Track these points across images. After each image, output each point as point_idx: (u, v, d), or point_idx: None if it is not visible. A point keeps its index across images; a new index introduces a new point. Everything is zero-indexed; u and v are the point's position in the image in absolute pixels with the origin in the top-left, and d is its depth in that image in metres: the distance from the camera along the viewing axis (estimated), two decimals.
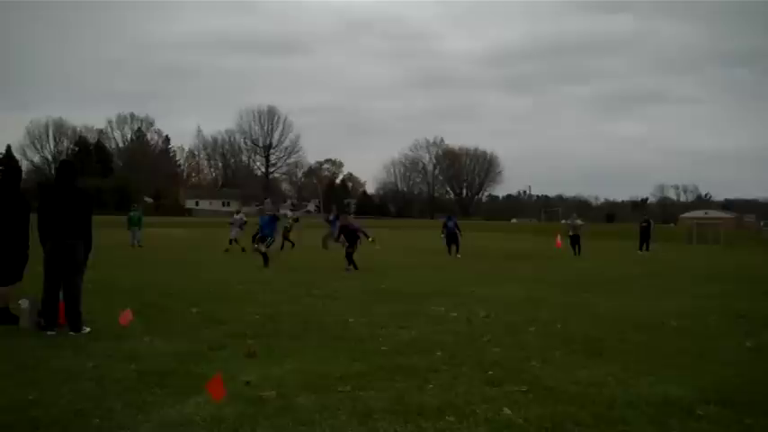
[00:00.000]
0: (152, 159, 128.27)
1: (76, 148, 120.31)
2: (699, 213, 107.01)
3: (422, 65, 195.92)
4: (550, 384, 5.82)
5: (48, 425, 4.54)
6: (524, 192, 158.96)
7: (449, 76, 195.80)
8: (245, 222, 26.67)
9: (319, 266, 18.57)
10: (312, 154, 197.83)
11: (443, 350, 7.19)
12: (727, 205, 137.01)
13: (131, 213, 28.43)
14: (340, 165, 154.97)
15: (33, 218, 8.17)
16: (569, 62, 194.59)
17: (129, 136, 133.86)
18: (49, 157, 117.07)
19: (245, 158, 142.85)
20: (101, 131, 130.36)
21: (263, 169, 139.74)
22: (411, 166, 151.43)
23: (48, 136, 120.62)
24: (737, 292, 14.35)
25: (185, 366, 6.22)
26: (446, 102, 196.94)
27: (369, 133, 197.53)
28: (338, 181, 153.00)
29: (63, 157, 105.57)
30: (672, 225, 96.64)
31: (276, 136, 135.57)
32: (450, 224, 25.24)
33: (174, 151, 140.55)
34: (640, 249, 31.05)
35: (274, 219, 19.14)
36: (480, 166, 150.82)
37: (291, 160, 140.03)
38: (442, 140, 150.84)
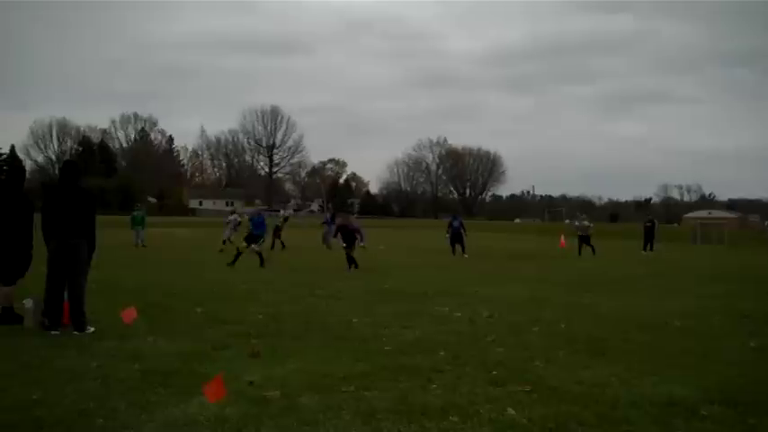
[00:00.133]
0: (155, 159, 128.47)
1: (80, 148, 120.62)
2: (702, 213, 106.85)
3: (423, 65, 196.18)
4: (554, 384, 5.82)
5: (52, 424, 4.55)
6: (528, 192, 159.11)
7: (450, 76, 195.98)
8: (239, 223, 26.61)
9: (322, 266, 18.57)
10: (314, 154, 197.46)
11: (447, 350, 7.19)
12: (731, 205, 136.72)
13: (135, 213, 28.48)
14: (343, 164, 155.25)
15: (37, 218, 8.19)
16: (571, 62, 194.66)
17: (132, 136, 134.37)
18: (53, 157, 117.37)
19: (248, 158, 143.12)
20: (104, 131, 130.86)
21: (267, 169, 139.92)
22: (414, 165, 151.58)
23: (51, 136, 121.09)
24: (741, 292, 14.32)
25: (189, 366, 6.23)
26: (447, 102, 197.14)
27: (370, 133, 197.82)
28: (342, 181, 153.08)
29: (67, 157, 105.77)
30: (675, 225, 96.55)
31: (279, 136, 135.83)
32: (456, 224, 25.13)
33: (178, 151, 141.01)
34: (644, 249, 31.00)
35: (263, 219, 19.15)
36: (484, 166, 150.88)
37: (295, 160, 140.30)
38: (445, 140, 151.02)
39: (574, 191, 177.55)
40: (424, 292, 12.66)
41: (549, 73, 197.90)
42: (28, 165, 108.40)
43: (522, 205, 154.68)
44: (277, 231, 27.16)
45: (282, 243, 26.99)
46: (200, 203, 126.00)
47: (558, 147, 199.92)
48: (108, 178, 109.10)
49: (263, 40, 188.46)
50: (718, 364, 6.85)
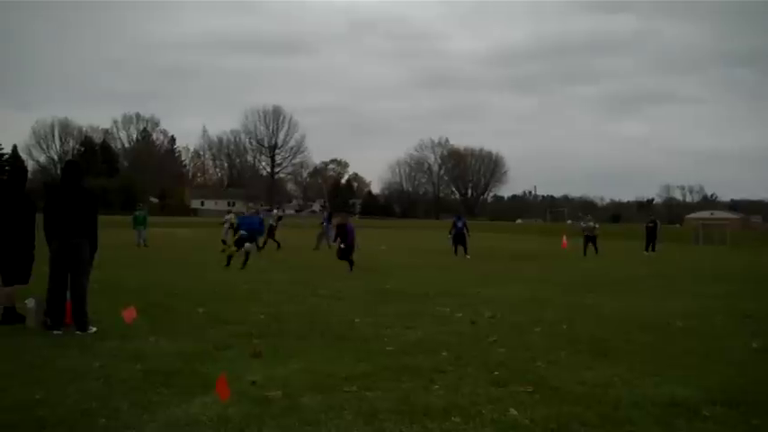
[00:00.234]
0: (157, 159, 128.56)
1: (82, 148, 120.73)
2: (705, 214, 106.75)
3: (426, 65, 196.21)
4: (556, 385, 5.81)
5: (54, 424, 4.55)
6: (530, 192, 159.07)
7: (453, 76, 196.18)
8: (233, 224, 26.50)
9: (324, 267, 18.56)
10: (316, 154, 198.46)
11: (449, 351, 7.19)
12: (734, 206, 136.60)
13: (137, 213, 28.50)
14: (345, 165, 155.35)
15: (39, 218, 8.20)
16: (574, 62, 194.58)
17: (134, 136, 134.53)
18: (55, 158, 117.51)
19: (250, 158, 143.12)
20: (106, 131, 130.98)
21: (269, 169, 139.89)
22: (416, 166, 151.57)
23: (53, 136, 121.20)
24: (743, 292, 14.31)
25: (191, 366, 6.23)
26: (450, 102, 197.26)
27: (372, 133, 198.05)
28: (343, 181, 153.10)
29: (69, 157, 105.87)
30: (678, 226, 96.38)
31: (281, 136, 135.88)
32: (460, 224, 25.09)
33: (180, 151, 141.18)
34: (646, 250, 30.97)
35: (256, 221, 19.04)
36: (486, 167, 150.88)
37: (297, 160, 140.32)
38: (447, 141, 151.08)
39: (576, 191, 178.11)
40: (426, 292, 12.65)
41: (551, 73, 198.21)
42: (30, 165, 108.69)
43: (524, 206, 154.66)
44: (271, 231, 27.04)
45: (278, 243, 26.87)
46: (202, 204, 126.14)
47: (560, 147, 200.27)
48: (110, 178, 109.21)
49: (266, 39, 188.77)
50: (721, 364, 6.85)
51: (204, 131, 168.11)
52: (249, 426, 4.59)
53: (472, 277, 16.39)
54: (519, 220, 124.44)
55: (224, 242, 25.40)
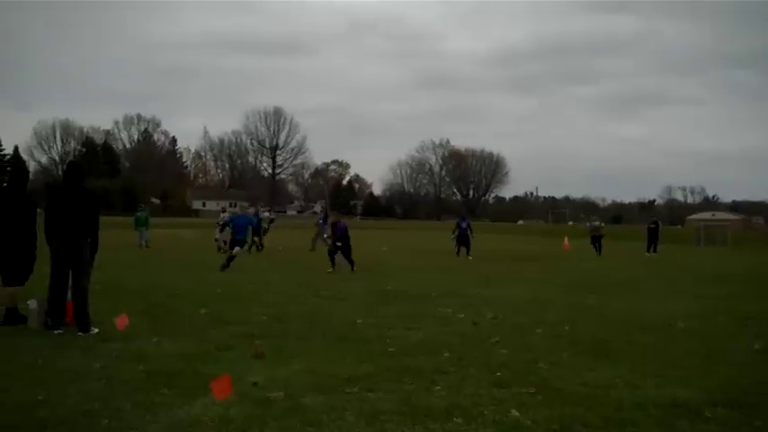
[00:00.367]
0: (159, 160, 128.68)
1: (83, 149, 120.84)
2: (706, 215, 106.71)
3: (426, 65, 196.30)
4: (558, 386, 5.81)
5: (55, 425, 4.55)
6: (531, 193, 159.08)
7: (453, 76, 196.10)
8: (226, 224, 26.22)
9: (326, 267, 18.53)
10: (317, 155, 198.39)
11: (451, 351, 7.19)
12: (735, 207, 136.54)
13: (138, 214, 28.51)
14: (347, 166, 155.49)
15: (40, 218, 8.21)
16: (574, 63, 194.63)
17: (135, 137, 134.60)
18: (57, 158, 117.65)
19: (251, 159, 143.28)
20: (107, 132, 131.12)
21: (270, 170, 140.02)
22: (417, 167, 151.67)
23: (55, 137, 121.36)
24: (745, 293, 14.30)
25: (193, 367, 6.23)
26: (451, 103, 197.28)
27: (373, 134, 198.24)
28: (345, 182, 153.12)
29: (70, 157, 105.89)
30: (679, 227, 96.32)
31: (282, 137, 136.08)
32: (464, 225, 25.16)
33: (181, 152, 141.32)
34: (648, 251, 30.96)
35: (249, 221, 18.77)
36: (487, 168, 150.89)
37: (298, 161, 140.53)
38: (448, 142, 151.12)
39: (577, 192, 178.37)
40: (428, 293, 12.65)
41: (552, 74, 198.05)
42: (31, 165, 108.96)
43: (526, 207, 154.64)
44: (263, 233, 26.72)
45: (262, 245, 26.33)
46: (204, 204, 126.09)
47: (561, 148, 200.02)
48: (111, 179, 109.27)
49: (266, 40, 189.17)
50: (723, 365, 6.84)
51: (205, 132, 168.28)
52: (251, 426, 4.59)
53: (474, 278, 16.38)
54: (520, 222, 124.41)
55: (217, 241, 25.14)
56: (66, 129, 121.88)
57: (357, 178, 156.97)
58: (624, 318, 10.08)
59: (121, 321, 7.97)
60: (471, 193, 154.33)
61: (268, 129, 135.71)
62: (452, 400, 5.32)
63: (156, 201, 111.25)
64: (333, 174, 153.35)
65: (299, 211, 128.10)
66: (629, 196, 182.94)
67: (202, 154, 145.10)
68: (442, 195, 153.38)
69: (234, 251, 17.30)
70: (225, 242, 24.89)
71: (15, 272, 8.35)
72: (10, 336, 7.57)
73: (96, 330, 7.81)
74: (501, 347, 7.50)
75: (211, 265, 17.34)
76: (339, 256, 17.36)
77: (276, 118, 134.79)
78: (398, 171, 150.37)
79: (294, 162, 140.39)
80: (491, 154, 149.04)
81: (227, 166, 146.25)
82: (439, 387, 5.71)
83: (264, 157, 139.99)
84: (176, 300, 10.93)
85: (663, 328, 9.15)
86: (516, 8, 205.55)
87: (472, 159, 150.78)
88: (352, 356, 6.85)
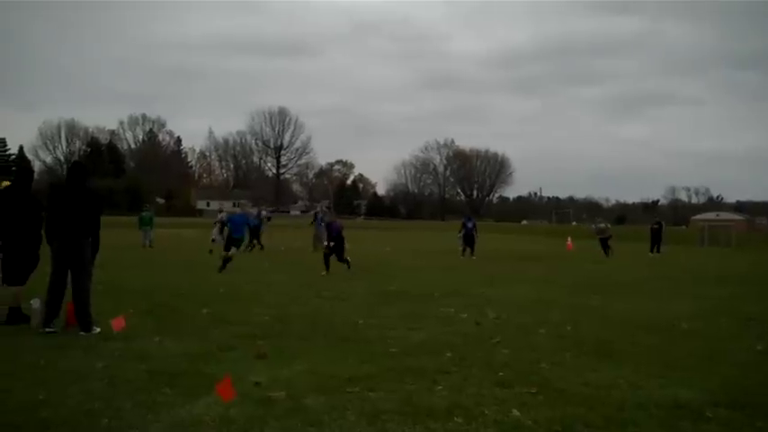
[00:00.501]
0: (163, 160, 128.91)
1: (88, 149, 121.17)
2: (710, 215, 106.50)
3: (429, 66, 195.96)
4: (560, 386, 5.80)
5: (58, 425, 4.56)
6: (535, 193, 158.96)
7: (457, 77, 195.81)
8: (225, 224, 26.07)
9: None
10: (321, 155, 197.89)
11: (453, 351, 7.18)
12: (739, 207, 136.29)
13: (143, 214, 28.59)
14: (351, 166, 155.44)
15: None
16: (577, 63, 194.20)
17: (140, 137, 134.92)
18: (62, 158, 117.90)
19: (256, 160, 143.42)
20: (112, 132, 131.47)
21: (274, 170, 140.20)
22: (422, 167, 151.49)
23: (60, 137, 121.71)
24: (749, 294, 14.26)
25: (195, 367, 6.24)
26: (454, 103, 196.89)
27: (377, 135, 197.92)
28: (349, 182, 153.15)
29: (75, 157, 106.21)
30: (683, 227, 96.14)
31: (287, 137, 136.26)
32: (470, 225, 25.23)
33: (186, 152, 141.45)
34: (651, 251, 30.92)
35: (247, 220, 18.47)
36: (491, 168, 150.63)
37: (302, 161, 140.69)
38: (452, 142, 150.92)
39: (581, 192, 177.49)
40: (430, 293, 12.65)
41: (555, 74, 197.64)
42: (36, 165, 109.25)
43: (530, 207, 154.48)
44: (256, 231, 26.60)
45: (261, 245, 26.31)
46: (208, 204, 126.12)
47: (565, 148, 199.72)
48: (116, 179, 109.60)
49: (270, 41, 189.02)
50: (725, 366, 6.83)
51: (210, 132, 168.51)
52: (252, 427, 4.59)
53: (477, 278, 16.37)
54: (524, 222, 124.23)
55: (214, 241, 25.02)
56: (72, 129, 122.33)
57: (361, 178, 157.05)
58: (627, 318, 10.06)
59: (118, 323, 7.97)
60: (475, 193, 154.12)
61: (273, 129, 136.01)
62: (454, 399, 5.32)
63: (160, 201, 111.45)
64: (337, 174, 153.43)
65: (302, 211, 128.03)
66: (632, 197, 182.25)
67: (207, 154, 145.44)
68: (447, 196, 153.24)
69: (230, 252, 17.06)
70: (213, 240, 24.73)
71: (18, 271, 8.38)
72: (12, 335, 7.58)
73: (98, 330, 7.82)
74: (503, 347, 7.50)
75: (214, 266, 17.34)
76: (334, 259, 17.14)
77: (281, 118, 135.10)
78: (403, 171, 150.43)
79: (299, 162, 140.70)
80: (495, 154, 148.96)
81: (231, 166, 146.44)
82: (441, 387, 5.71)
83: (269, 158, 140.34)
84: (179, 300, 10.95)
85: (666, 329, 9.13)
86: (520, 9, 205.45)
87: (477, 160, 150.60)
88: (354, 357, 6.85)
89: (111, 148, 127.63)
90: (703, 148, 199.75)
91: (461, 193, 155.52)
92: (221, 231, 21.72)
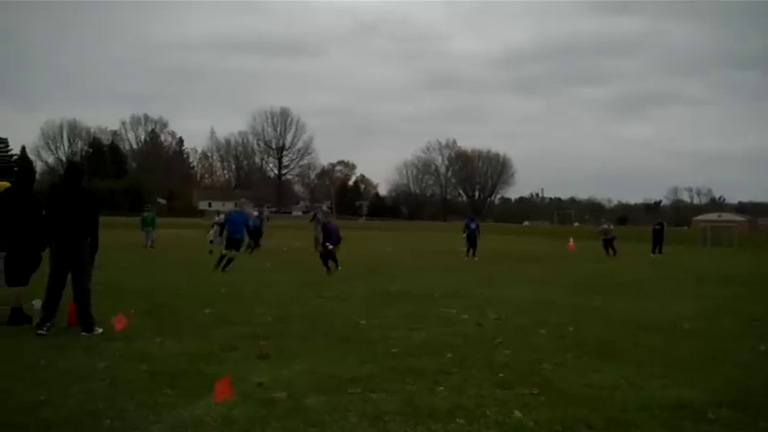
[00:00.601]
0: (165, 161, 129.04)
1: (90, 150, 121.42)
2: (712, 216, 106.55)
3: (431, 66, 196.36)
4: (562, 387, 5.79)
5: (59, 425, 4.56)
6: (537, 194, 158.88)
7: (458, 77, 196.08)
8: (223, 225, 25.95)
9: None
10: (323, 156, 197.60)
11: (454, 352, 7.17)
12: (741, 208, 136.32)
13: (145, 214, 28.59)
14: (353, 167, 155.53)
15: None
16: (579, 64, 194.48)
17: (142, 137, 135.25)
18: (64, 159, 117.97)
19: (257, 160, 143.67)
20: (114, 133, 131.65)
21: (276, 171, 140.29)
22: (423, 168, 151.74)
23: (62, 137, 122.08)
24: (751, 294, 14.24)
25: (196, 367, 6.24)
26: (456, 103, 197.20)
27: (378, 135, 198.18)
28: (351, 183, 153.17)
29: (77, 158, 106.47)
30: (685, 228, 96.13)
31: (289, 138, 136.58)
32: (473, 226, 25.39)
33: (188, 153, 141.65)
34: (653, 252, 30.90)
35: (245, 218, 18.12)
36: (493, 169, 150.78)
37: (304, 162, 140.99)
38: (454, 142, 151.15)
39: (583, 193, 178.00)
40: (432, 294, 12.63)
41: (557, 74, 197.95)
42: (38, 166, 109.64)
43: (531, 207, 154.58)
44: (257, 232, 26.52)
45: (253, 246, 26.17)
46: (210, 205, 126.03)
47: (566, 149, 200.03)
48: (118, 179, 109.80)
49: (271, 41, 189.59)
50: (728, 366, 6.81)
51: (212, 133, 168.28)
52: (254, 427, 4.59)
53: (478, 279, 16.35)
54: (526, 222, 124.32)
55: (212, 242, 24.94)
56: (74, 129, 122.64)
57: (363, 179, 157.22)
58: (629, 319, 10.04)
59: (118, 322, 7.97)
60: (477, 194, 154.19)
61: (275, 129, 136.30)
62: (455, 400, 5.31)
63: (162, 201, 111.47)
64: (339, 174, 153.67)
65: (304, 212, 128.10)
66: (635, 197, 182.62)
67: (209, 154, 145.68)
68: (448, 196, 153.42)
69: (230, 253, 16.93)
70: (211, 241, 24.56)
71: (20, 272, 8.38)
72: (14, 336, 7.58)
73: (100, 330, 7.82)
74: (504, 348, 7.49)
75: (214, 266, 17.33)
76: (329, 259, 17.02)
77: (283, 118, 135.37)
78: (404, 172, 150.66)
79: (300, 163, 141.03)
80: (497, 155, 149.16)
81: (233, 166, 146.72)
82: (442, 388, 5.70)
83: (271, 158, 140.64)
84: (180, 300, 10.95)
85: (668, 330, 9.12)
86: (520, 9, 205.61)
87: (478, 160, 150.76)
88: (355, 357, 6.85)
89: (113, 148, 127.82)
90: (705, 148, 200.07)
91: (463, 193, 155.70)
92: (221, 234, 21.49)
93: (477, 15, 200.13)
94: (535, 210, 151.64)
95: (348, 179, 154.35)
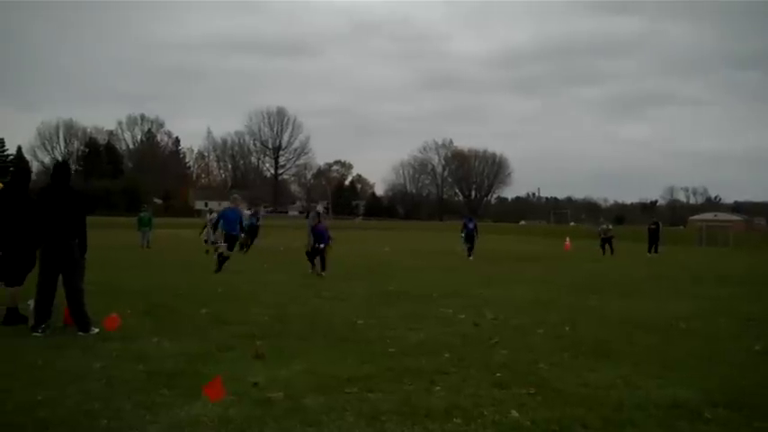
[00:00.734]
0: (162, 161, 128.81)
1: (87, 150, 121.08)
2: (708, 216, 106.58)
3: (430, 66, 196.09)
4: (558, 387, 5.81)
5: (56, 425, 4.56)
6: (533, 194, 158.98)
7: (457, 77, 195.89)
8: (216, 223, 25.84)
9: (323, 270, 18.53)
10: (320, 155, 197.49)
11: (451, 352, 7.18)
12: (737, 208, 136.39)
13: (141, 214, 28.56)
14: (349, 166, 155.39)
15: None
16: (577, 64, 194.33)
17: (139, 137, 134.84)
18: (60, 159, 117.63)
19: (254, 160, 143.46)
20: (111, 133, 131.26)
21: (273, 171, 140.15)
22: (420, 167, 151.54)
23: (58, 137, 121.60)
24: (747, 294, 14.28)
25: (194, 367, 6.24)
26: (454, 103, 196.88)
27: (376, 135, 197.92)
28: (347, 183, 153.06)
29: (74, 158, 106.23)
30: (681, 227, 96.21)
31: (286, 137, 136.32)
32: (471, 225, 25.42)
33: (184, 153, 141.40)
34: (649, 252, 30.98)
35: (240, 215, 17.90)
36: (489, 168, 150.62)
37: (301, 162, 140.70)
38: (451, 142, 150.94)
39: (580, 193, 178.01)
40: (429, 294, 12.65)
41: (555, 74, 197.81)
42: (35, 166, 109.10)
43: (528, 207, 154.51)
44: (253, 231, 26.46)
45: (249, 245, 25.81)
46: (206, 205, 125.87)
47: (563, 148, 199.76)
48: (114, 179, 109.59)
49: (270, 41, 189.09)
50: (723, 366, 6.83)
51: (209, 133, 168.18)
52: (251, 427, 4.59)
53: (476, 279, 16.37)
54: (522, 222, 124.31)
55: (206, 242, 24.88)
56: (70, 129, 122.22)
57: (359, 179, 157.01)
58: (625, 318, 10.07)
59: (111, 322, 7.95)
60: (474, 193, 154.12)
61: (271, 129, 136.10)
62: (452, 400, 5.32)
63: (158, 201, 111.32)
64: (335, 174, 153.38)
65: (300, 212, 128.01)
66: (631, 197, 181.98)
67: (205, 154, 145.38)
68: (445, 196, 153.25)
69: (225, 252, 16.82)
70: (209, 242, 24.43)
71: (16, 272, 8.37)
72: (10, 336, 7.57)
73: (97, 330, 7.81)
74: (501, 348, 7.50)
75: (211, 266, 17.34)
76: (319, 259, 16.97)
77: (279, 118, 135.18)
78: (401, 171, 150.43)
79: (297, 162, 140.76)
80: (494, 154, 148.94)
81: (229, 166, 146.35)
82: (439, 388, 5.71)
83: (267, 158, 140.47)
84: (177, 300, 10.94)
85: (664, 329, 9.15)
86: (520, 9, 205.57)
87: (475, 160, 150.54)
88: (353, 357, 6.85)
89: (110, 148, 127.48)
90: (702, 148, 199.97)
91: (459, 193, 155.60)
92: (214, 231, 21.24)
93: (476, 15, 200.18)
94: (531, 209, 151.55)
95: (345, 179, 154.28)
